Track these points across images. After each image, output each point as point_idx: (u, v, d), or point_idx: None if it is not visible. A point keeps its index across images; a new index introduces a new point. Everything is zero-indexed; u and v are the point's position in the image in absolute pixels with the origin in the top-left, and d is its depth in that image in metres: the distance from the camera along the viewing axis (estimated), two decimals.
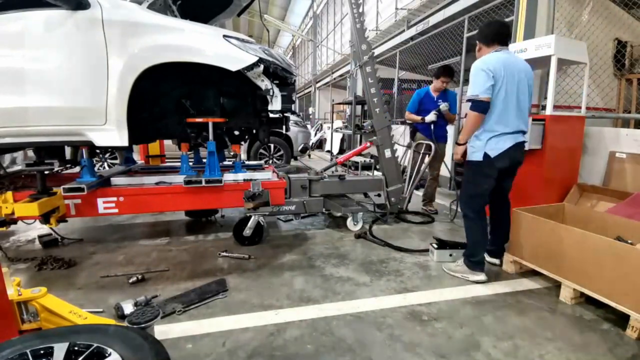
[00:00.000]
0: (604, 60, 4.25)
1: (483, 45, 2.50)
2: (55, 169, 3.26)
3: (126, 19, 2.46)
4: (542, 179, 3.20)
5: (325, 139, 12.55)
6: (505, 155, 2.38)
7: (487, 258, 2.74)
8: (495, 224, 2.60)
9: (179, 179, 2.96)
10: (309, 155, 10.45)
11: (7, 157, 4.62)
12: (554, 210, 2.79)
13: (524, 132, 2.48)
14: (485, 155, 2.39)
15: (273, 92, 2.74)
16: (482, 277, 2.51)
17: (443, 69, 4.19)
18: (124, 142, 2.52)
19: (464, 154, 2.51)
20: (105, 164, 6.36)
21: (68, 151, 2.99)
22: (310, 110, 20.94)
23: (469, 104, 2.36)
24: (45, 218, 2.52)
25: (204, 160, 3.15)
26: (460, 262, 2.62)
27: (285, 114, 3.27)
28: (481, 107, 2.31)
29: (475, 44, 2.61)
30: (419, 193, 4.72)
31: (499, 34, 2.45)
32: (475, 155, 2.44)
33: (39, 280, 2.46)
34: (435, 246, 2.92)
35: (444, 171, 4.48)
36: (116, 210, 2.84)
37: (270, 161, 7.07)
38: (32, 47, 2.41)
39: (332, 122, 10.52)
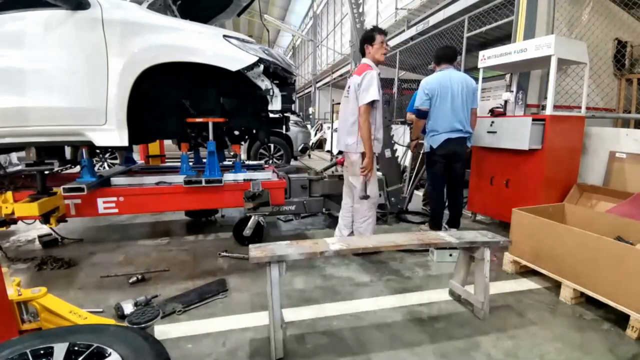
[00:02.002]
0: (604, 60, 4.25)
1: (435, 64, 3.38)
2: (55, 169, 3.26)
3: (126, 19, 2.46)
4: (542, 179, 3.20)
5: (325, 139, 12.55)
6: (442, 146, 3.17)
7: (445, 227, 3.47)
8: (448, 203, 3.45)
9: (179, 179, 2.96)
10: (309, 155, 10.45)
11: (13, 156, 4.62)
12: (554, 210, 2.79)
13: (460, 130, 3.15)
14: (430, 147, 3.27)
15: (273, 92, 2.74)
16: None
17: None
18: (124, 142, 2.52)
19: (415, 146, 3.95)
20: (105, 164, 6.36)
21: (68, 151, 2.99)
22: (310, 110, 20.94)
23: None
24: (45, 218, 2.52)
25: (204, 160, 3.15)
26: (426, 224, 3.50)
27: (285, 114, 3.27)
28: (420, 114, 3.32)
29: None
30: (419, 193, 4.72)
31: (445, 56, 3.32)
32: (426, 148, 3.36)
33: (39, 280, 2.46)
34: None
35: None
36: (116, 210, 2.84)
37: (270, 161, 7.07)
38: (32, 47, 2.41)
39: (332, 122, 10.51)
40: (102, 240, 3.34)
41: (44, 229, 3.32)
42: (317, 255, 1.82)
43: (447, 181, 3.34)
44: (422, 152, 4.23)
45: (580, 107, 3.60)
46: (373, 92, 2.64)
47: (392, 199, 3.84)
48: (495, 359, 1.72)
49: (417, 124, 3.48)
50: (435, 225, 3.35)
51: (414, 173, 4.24)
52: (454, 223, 3.45)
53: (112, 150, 5.58)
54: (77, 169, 3.02)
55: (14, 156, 4.43)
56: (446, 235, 2.06)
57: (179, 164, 3.34)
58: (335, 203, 3.63)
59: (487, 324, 2.01)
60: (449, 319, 2.05)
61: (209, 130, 2.85)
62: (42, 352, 1.14)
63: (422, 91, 3.22)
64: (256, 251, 1.72)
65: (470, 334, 1.92)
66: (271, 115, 3.03)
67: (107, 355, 1.12)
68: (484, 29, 5.03)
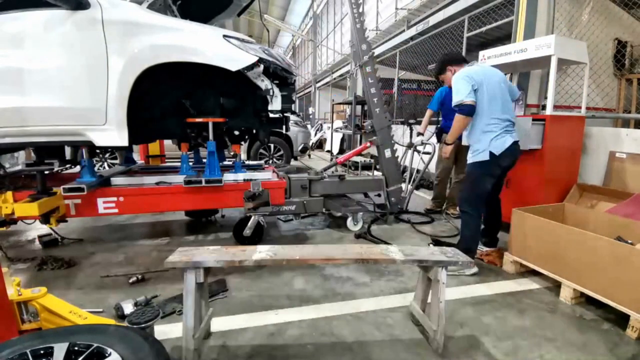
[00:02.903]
0: (604, 60, 4.25)
1: (456, 67, 2.76)
2: (55, 169, 3.26)
3: (126, 19, 2.46)
4: (542, 179, 3.20)
5: (325, 139, 12.55)
6: (507, 152, 2.55)
7: (484, 248, 2.94)
8: (490, 218, 2.90)
9: (179, 179, 2.96)
10: (309, 155, 10.45)
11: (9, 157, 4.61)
12: (554, 210, 2.79)
13: (513, 123, 2.65)
14: (491, 154, 2.53)
15: (273, 92, 2.74)
16: (476, 268, 2.65)
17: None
18: (124, 142, 2.52)
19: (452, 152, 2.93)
20: (105, 163, 6.36)
21: (68, 151, 2.98)
22: (310, 110, 20.95)
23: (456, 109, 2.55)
24: (45, 218, 2.52)
25: (204, 160, 3.15)
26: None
27: (285, 114, 3.27)
28: (466, 110, 2.51)
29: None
30: (420, 193, 4.72)
31: (463, 58, 2.89)
32: (481, 156, 2.57)
33: (39, 280, 2.45)
34: (432, 246, 2.92)
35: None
36: (116, 210, 2.83)
37: (270, 161, 7.06)
38: (32, 47, 2.41)
39: (332, 122, 10.52)
40: (102, 240, 3.34)
41: (44, 229, 3.32)
42: (235, 264, 1.70)
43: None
44: (422, 151, 4.23)
45: (580, 107, 3.60)
46: None
47: (392, 199, 3.85)
48: (496, 358, 1.72)
49: (462, 124, 2.57)
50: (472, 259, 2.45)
51: (414, 173, 4.23)
52: (494, 242, 2.96)
53: (112, 150, 5.58)
54: (77, 169, 3.02)
55: (22, 154, 4.42)
56: (392, 251, 1.81)
57: (179, 164, 3.34)
58: (335, 203, 3.63)
59: (487, 324, 2.01)
60: (449, 319, 2.04)
61: (209, 130, 2.85)
62: (42, 352, 1.14)
63: (462, 80, 2.52)
64: (175, 255, 1.68)
65: (470, 334, 1.92)
66: (271, 115, 3.03)
67: (107, 355, 1.13)
68: (484, 29, 5.04)
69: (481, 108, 2.54)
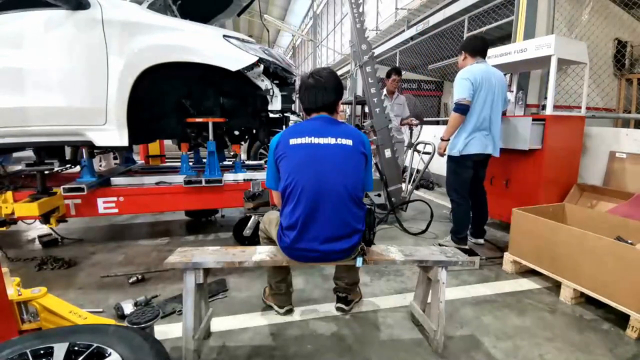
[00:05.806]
0: (604, 60, 4.25)
1: (468, 55, 2.88)
2: (55, 169, 3.26)
3: (126, 19, 2.46)
4: (542, 179, 3.20)
5: None
6: (474, 155, 2.83)
7: (471, 239, 3.15)
8: (473, 209, 3.04)
9: (179, 179, 2.96)
10: None
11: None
12: (554, 210, 2.79)
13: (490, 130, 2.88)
14: (460, 154, 2.84)
15: (273, 92, 2.74)
16: (467, 246, 2.93)
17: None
18: (124, 142, 2.52)
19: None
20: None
21: (68, 151, 2.99)
22: None
23: (453, 106, 2.79)
24: (45, 218, 2.52)
25: (204, 160, 3.15)
26: (447, 238, 3.04)
27: (286, 114, 3.27)
28: (462, 109, 2.74)
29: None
30: (420, 193, 4.71)
31: (482, 49, 2.87)
32: (454, 152, 2.87)
33: (39, 280, 2.45)
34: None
35: (443, 170, 4.46)
36: (116, 210, 2.84)
37: None
38: (32, 47, 2.41)
39: None
40: (102, 240, 3.34)
41: (44, 229, 3.32)
42: (235, 265, 1.70)
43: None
44: (422, 151, 4.23)
45: (580, 107, 3.60)
46: None
47: (393, 199, 3.84)
48: (495, 358, 1.72)
49: (457, 122, 2.78)
50: (462, 240, 2.95)
51: (414, 173, 4.23)
52: (480, 233, 3.14)
53: (112, 150, 5.58)
54: (77, 169, 3.02)
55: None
56: (392, 251, 1.82)
57: (179, 164, 3.34)
58: None
59: (487, 324, 2.01)
60: (449, 319, 2.04)
61: (209, 130, 2.85)
62: (42, 352, 1.14)
63: (464, 81, 2.71)
64: (175, 256, 1.67)
65: (470, 333, 1.92)
66: (271, 115, 3.03)
67: (107, 355, 1.13)
68: (484, 29, 5.04)
69: (472, 110, 2.76)
